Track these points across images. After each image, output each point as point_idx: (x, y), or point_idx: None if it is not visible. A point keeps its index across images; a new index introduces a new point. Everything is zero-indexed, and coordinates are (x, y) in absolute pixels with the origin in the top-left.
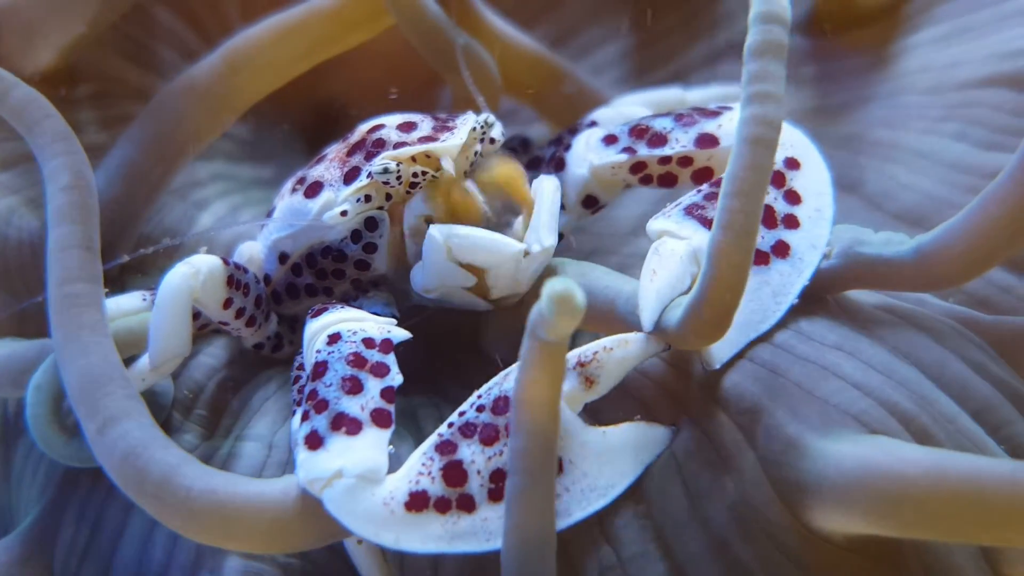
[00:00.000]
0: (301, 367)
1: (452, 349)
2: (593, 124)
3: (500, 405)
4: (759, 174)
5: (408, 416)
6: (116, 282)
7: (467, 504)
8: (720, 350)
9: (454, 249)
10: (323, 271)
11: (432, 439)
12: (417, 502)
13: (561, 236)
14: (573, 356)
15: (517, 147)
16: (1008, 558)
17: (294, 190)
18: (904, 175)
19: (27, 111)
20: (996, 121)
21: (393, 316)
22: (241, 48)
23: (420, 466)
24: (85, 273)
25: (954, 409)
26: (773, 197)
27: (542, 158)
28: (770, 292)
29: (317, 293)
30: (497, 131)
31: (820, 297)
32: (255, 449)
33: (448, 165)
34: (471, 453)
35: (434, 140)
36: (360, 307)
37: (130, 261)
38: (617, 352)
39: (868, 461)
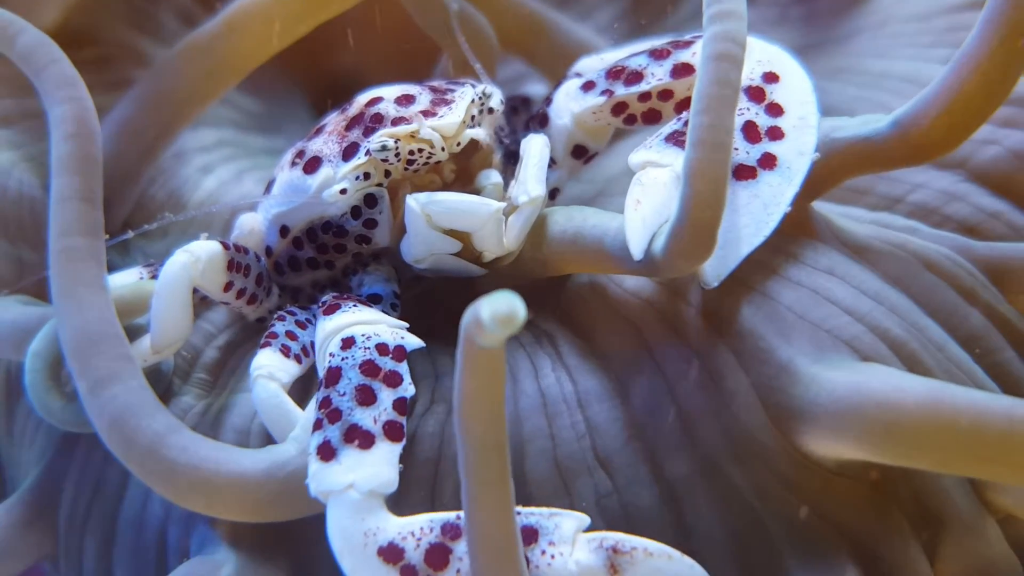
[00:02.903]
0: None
1: (456, 317)
2: (578, 76)
3: (524, 532)
4: (726, 88)
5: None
6: (120, 244)
7: None
8: (716, 267)
9: (433, 216)
10: (324, 245)
11: (447, 516)
12: (390, 554)
13: (557, 191)
14: (613, 538)
15: (518, 106)
16: (994, 485)
17: (293, 163)
18: (894, 102)
19: (35, 55)
20: None
21: (394, 292)
22: (240, 10)
23: (418, 528)
24: (84, 226)
25: (943, 336)
26: (755, 112)
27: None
28: (761, 204)
29: (319, 266)
30: (496, 100)
31: (812, 222)
32: (247, 400)
33: (435, 138)
34: (464, 552)
35: (433, 115)
36: (361, 283)
37: (131, 224)
38: (657, 562)
39: (862, 389)
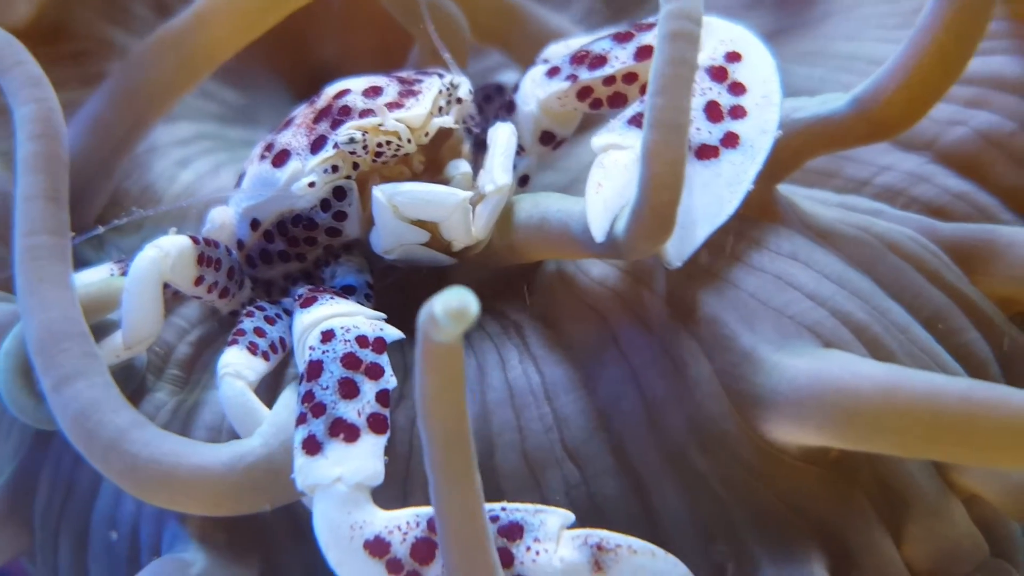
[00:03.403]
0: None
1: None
2: (545, 62)
3: (507, 529)
4: (681, 67)
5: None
6: (95, 239)
7: None
8: (678, 247)
9: (400, 207)
10: (295, 238)
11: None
12: (376, 548)
13: (527, 178)
14: (597, 536)
15: (492, 94)
16: (957, 466)
17: (262, 157)
18: (859, 83)
19: (0, 56)
20: None
21: (367, 283)
22: (210, 0)
23: (404, 522)
24: (49, 224)
25: (906, 318)
26: (717, 92)
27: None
28: (724, 183)
29: (290, 259)
30: (464, 90)
31: (776, 206)
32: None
33: (402, 131)
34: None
35: (400, 106)
36: (334, 274)
37: (105, 219)
38: (640, 559)
39: (821, 376)
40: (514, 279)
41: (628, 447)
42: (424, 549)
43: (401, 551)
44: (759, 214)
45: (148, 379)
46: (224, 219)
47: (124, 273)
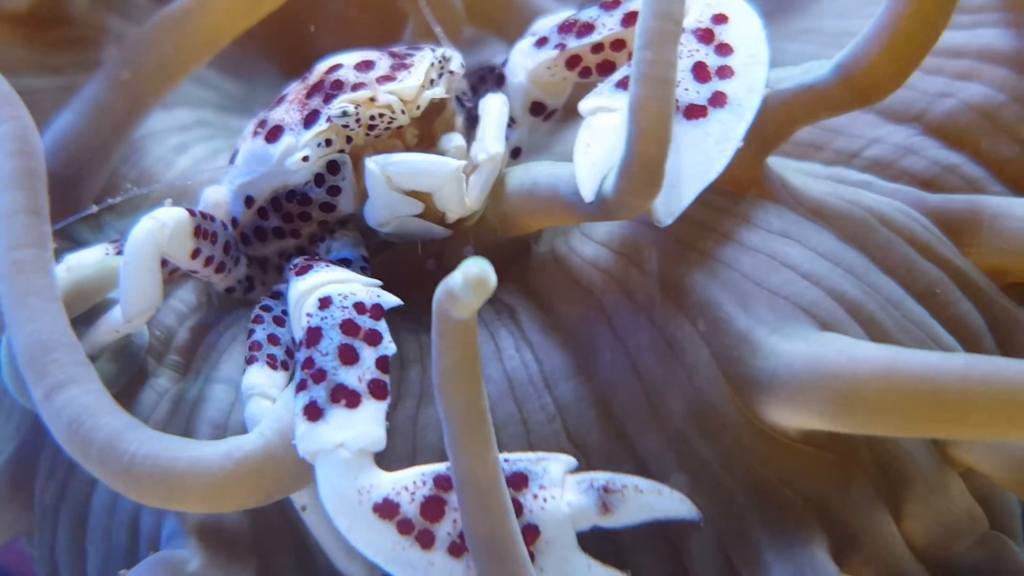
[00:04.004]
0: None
1: (425, 277)
2: (534, 35)
3: (513, 479)
4: (667, 22)
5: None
6: (93, 220)
7: (426, 540)
8: (668, 205)
9: (393, 178)
10: (289, 214)
11: (438, 467)
12: (386, 510)
13: (519, 150)
14: (603, 478)
15: (487, 75)
16: (955, 441)
17: (255, 133)
18: None
19: None
20: None
21: (363, 256)
22: None
23: (410, 482)
24: (32, 239)
25: (900, 293)
26: (704, 53)
27: None
28: (713, 141)
29: (285, 235)
30: (456, 63)
31: (767, 181)
32: (223, 392)
33: (395, 103)
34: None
35: (392, 79)
36: (329, 249)
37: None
38: (647, 497)
39: (819, 360)
40: (508, 263)
41: (630, 434)
42: (434, 507)
43: (411, 511)
44: (750, 190)
45: (150, 363)
46: (218, 198)
47: (119, 253)
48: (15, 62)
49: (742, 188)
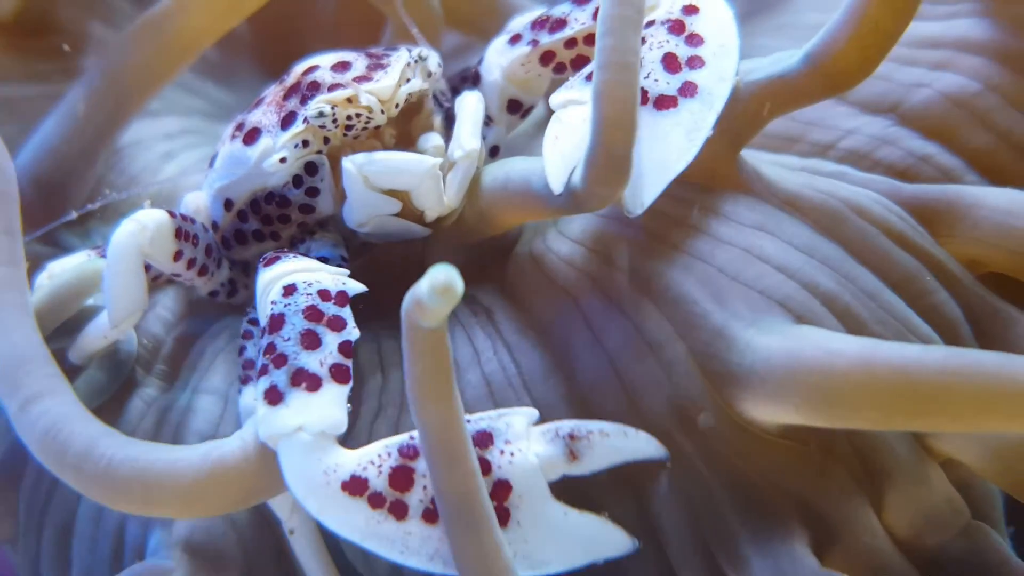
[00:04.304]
0: (253, 322)
1: (406, 280)
2: (509, 33)
3: (479, 438)
4: (627, 8)
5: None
6: (78, 227)
7: (399, 511)
8: (638, 195)
9: (370, 177)
10: (268, 216)
11: (402, 438)
12: (355, 487)
13: (497, 148)
14: (568, 426)
15: (466, 75)
16: (935, 432)
17: (233, 136)
18: None
19: None
20: None
21: (342, 257)
22: None
23: (375, 456)
24: (5, 256)
25: (876, 284)
26: (675, 44)
27: None
28: (683, 132)
29: (265, 238)
30: (433, 63)
31: (741, 174)
32: (211, 403)
33: (372, 102)
34: (427, 468)
35: (368, 79)
36: (308, 250)
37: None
38: (613, 440)
39: (796, 355)
40: (488, 263)
41: None
42: (402, 477)
43: (379, 484)
44: (724, 183)
45: (138, 372)
46: (198, 204)
47: (102, 256)
48: (1, 70)
49: (716, 182)
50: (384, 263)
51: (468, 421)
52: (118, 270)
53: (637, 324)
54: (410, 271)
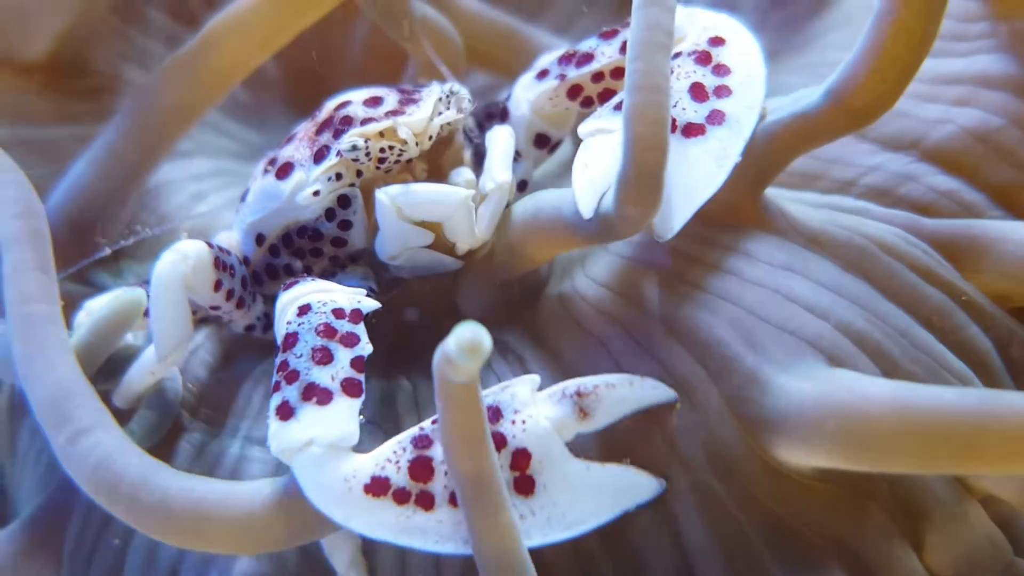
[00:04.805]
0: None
1: (434, 317)
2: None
3: (488, 414)
4: (656, 33)
5: (386, 402)
6: (112, 265)
7: (426, 501)
8: (668, 219)
9: (403, 208)
10: (300, 250)
11: (412, 431)
12: (377, 487)
13: (525, 183)
14: (573, 385)
15: (494, 111)
16: None
17: (265, 171)
18: None
19: None
20: (947, 29)
21: (371, 289)
22: (217, 26)
23: (391, 453)
24: (42, 293)
25: (906, 320)
26: (702, 74)
27: None
28: (711, 158)
29: (296, 273)
30: (464, 99)
31: (766, 213)
32: (265, 452)
33: (406, 134)
34: (444, 453)
35: (401, 113)
36: (339, 283)
37: (121, 251)
38: (620, 391)
39: (828, 399)
40: (518, 307)
41: None
42: (422, 467)
43: (401, 479)
44: (750, 222)
45: (184, 416)
46: (230, 243)
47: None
48: (34, 111)
49: (741, 221)
50: (415, 300)
51: None
52: (163, 300)
53: (668, 368)
54: (441, 308)
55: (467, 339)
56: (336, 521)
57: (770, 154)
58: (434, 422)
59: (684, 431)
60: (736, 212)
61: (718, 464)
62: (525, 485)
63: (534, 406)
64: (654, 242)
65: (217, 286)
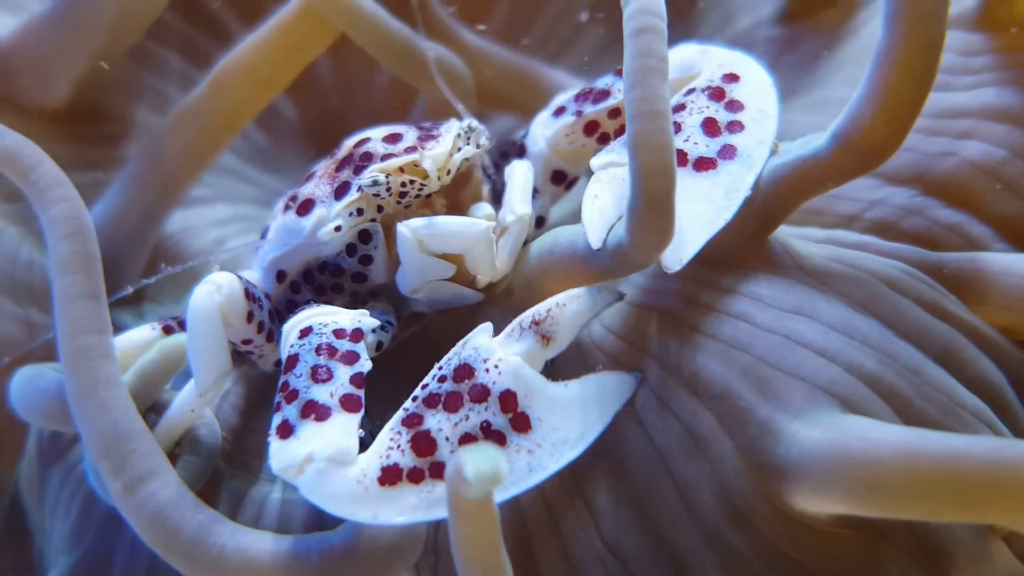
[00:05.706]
0: None
1: None
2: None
3: (460, 373)
4: (650, 59)
5: None
6: (133, 308)
7: (440, 471)
8: (679, 250)
9: (425, 241)
10: (321, 286)
11: (398, 414)
12: (390, 476)
13: (543, 220)
14: (528, 316)
15: (509, 150)
16: None
17: (286, 208)
18: None
19: (19, 158)
20: (949, 63)
21: (390, 323)
22: (222, 69)
23: (389, 441)
24: (94, 324)
25: (917, 358)
26: (714, 110)
27: None
28: (722, 192)
29: None
30: (482, 135)
31: (772, 254)
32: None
33: (430, 166)
34: (437, 422)
35: (420, 149)
36: None
37: (143, 293)
38: (570, 307)
39: (840, 447)
40: None
41: (666, 531)
42: (423, 442)
43: (408, 461)
44: (758, 264)
45: (221, 465)
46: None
47: (166, 328)
48: (54, 158)
49: (748, 264)
50: (435, 336)
51: (440, 367)
52: (201, 331)
53: (684, 420)
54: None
55: (485, 472)
56: (365, 521)
57: (778, 198)
58: (414, 399)
59: (697, 483)
60: (744, 256)
61: (734, 516)
62: (521, 422)
63: (500, 350)
64: (667, 289)
65: (250, 317)
